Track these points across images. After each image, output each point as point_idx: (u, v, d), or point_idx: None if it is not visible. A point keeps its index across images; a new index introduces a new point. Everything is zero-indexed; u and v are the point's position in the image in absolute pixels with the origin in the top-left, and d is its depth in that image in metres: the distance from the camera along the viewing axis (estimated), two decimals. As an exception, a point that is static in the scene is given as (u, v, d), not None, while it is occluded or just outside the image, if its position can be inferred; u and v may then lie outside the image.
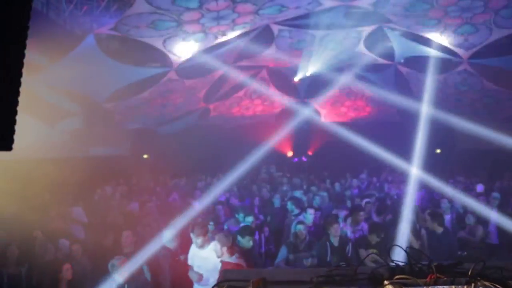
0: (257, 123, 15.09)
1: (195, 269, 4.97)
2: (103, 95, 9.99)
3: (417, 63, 10.72)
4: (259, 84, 12.74)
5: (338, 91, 13.53)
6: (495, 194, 8.12)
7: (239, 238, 5.06)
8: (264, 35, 9.56)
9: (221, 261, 4.67)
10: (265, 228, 7.29)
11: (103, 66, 8.55)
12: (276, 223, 7.77)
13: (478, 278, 1.89)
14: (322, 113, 15.44)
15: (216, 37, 8.78)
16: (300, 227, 5.74)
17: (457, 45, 9.58)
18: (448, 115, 10.71)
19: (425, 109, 10.46)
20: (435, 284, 1.89)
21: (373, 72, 12.02)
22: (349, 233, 6.60)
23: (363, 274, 2.08)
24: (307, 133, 16.32)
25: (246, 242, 5.04)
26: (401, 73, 11.75)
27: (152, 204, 8.52)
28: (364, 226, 6.62)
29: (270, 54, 10.66)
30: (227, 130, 15.12)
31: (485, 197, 8.19)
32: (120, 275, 4.46)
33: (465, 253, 6.18)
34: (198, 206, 8.03)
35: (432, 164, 9.91)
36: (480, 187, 9.14)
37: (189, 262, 5.09)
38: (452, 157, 14.28)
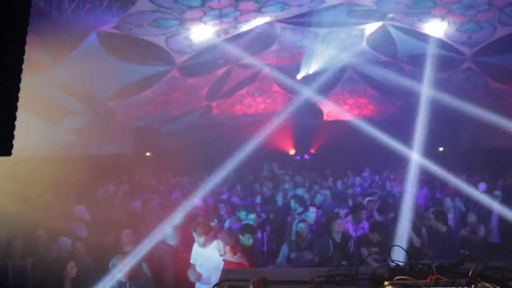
0: (258, 122, 15.06)
1: (197, 267, 4.98)
2: (105, 93, 10.01)
3: (420, 61, 10.68)
4: (262, 82, 12.72)
5: (341, 89, 13.52)
6: (497, 193, 8.12)
7: (240, 236, 5.07)
8: (267, 33, 9.55)
9: (224, 260, 4.68)
10: (267, 226, 7.30)
11: (105, 64, 8.56)
12: (279, 221, 7.78)
13: (479, 279, 1.88)
14: (324, 111, 15.43)
15: (218, 35, 8.78)
16: (302, 225, 5.75)
17: (461, 43, 9.53)
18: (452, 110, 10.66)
19: (427, 108, 10.41)
20: (435, 285, 1.89)
21: (375, 70, 11.98)
22: (350, 231, 6.59)
23: (363, 274, 2.09)
24: (309, 131, 16.30)
25: (246, 240, 5.04)
26: (404, 71, 11.71)
27: (154, 202, 8.54)
28: (366, 224, 6.62)
29: (272, 52, 10.65)
30: (230, 128, 15.11)
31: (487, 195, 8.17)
32: (122, 273, 4.48)
33: (467, 252, 6.17)
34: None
35: (434, 162, 9.88)
36: (482, 186, 9.11)
37: (192, 260, 5.11)
38: (455, 155, 14.23)
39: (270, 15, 8.48)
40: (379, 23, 9.42)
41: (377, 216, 7.33)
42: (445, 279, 1.91)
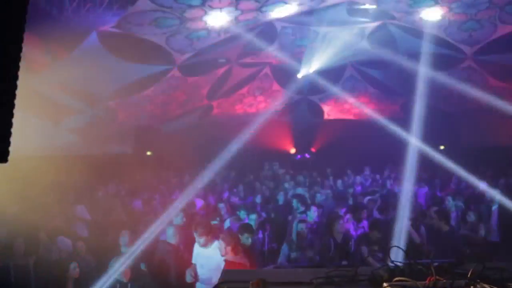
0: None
1: (198, 267, 4.98)
2: (105, 93, 10.00)
3: (421, 59, 10.65)
4: (262, 81, 12.71)
5: (341, 87, 13.48)
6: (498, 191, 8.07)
7: (239, 236, 5.07)
8: (267, 32, 9.54)
9: (225, 260, 4.67)
10: (268, 226, 7.28)
11: (105, 64, 8.56)
12: (280, 220, 7.76)
13: (478, 280, 1.88)
14: (325, 109, 15.41)
15: (219, 35, 8.77)
16: (302, 226, 5.75)
17: (462, 41, 9.51)
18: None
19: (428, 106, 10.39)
20: (434, 286, 1.89)
21: (376, 68, 11.96)
22: (351, 231, 6.59)
23: (363, 275, 2.09)
24: (310, 130, 16.29)
25: (245, 239, 5.04)
26: (405, 69, 11.69)
27: (155, 202, 8.54)
28: (366, 223, 6.62)
29: (273, 50, 10.64)
30: (230, 127, 15.09)
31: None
32: (122, 274, 4.48)
33: (468, 250, 6.17)
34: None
35: (435, 160, 9.87)
36: (483, 185, 9.08)
37: (193, 260, 5.10)
38: (456, 153, 14.19)
39: (270, 14, 8.47)
40: (380, 22, 9.40)
41: (377, 215, 7.33)
42: (444, 280, 1.90)
